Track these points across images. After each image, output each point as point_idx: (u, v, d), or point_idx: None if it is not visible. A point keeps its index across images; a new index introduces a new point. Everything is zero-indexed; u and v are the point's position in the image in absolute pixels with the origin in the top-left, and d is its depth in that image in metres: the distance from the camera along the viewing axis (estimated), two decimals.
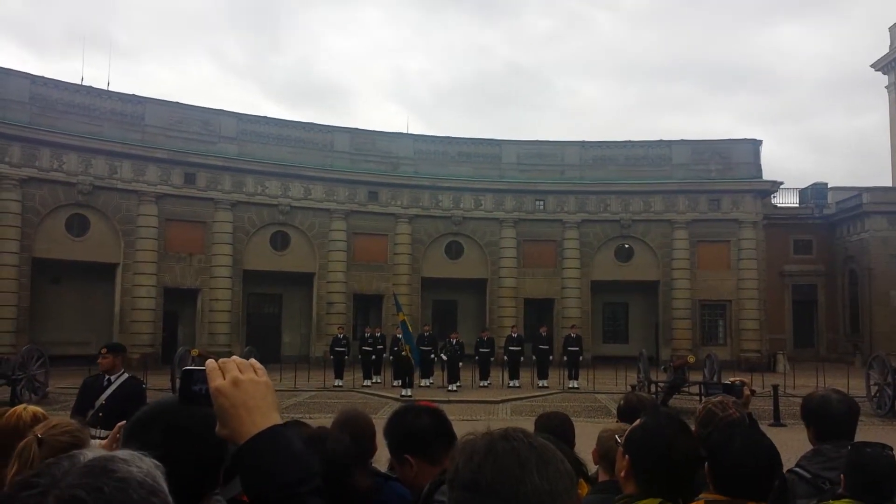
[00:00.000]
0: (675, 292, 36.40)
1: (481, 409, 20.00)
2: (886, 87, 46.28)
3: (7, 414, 3.05)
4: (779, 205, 41.89)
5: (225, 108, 34.20)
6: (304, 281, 35.21)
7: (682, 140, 38.01)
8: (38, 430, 2.50)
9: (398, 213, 35.98)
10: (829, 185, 43.14)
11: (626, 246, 37.38)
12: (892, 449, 3.23)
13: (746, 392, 4.12)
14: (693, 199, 36.74)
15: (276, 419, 1.57)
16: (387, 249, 36.04)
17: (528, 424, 4.85)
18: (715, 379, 19.69)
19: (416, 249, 36.26)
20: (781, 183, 37.84)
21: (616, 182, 36.87)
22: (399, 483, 3.18)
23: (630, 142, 38.17)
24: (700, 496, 2.80)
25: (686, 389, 20.43)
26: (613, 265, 37.20)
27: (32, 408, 3.13)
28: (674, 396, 20.58)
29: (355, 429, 3.79)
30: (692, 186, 36.62)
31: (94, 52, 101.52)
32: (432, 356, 25.19)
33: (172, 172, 31.86)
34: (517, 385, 25.19)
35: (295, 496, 1.50)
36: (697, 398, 18.88)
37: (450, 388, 23.62)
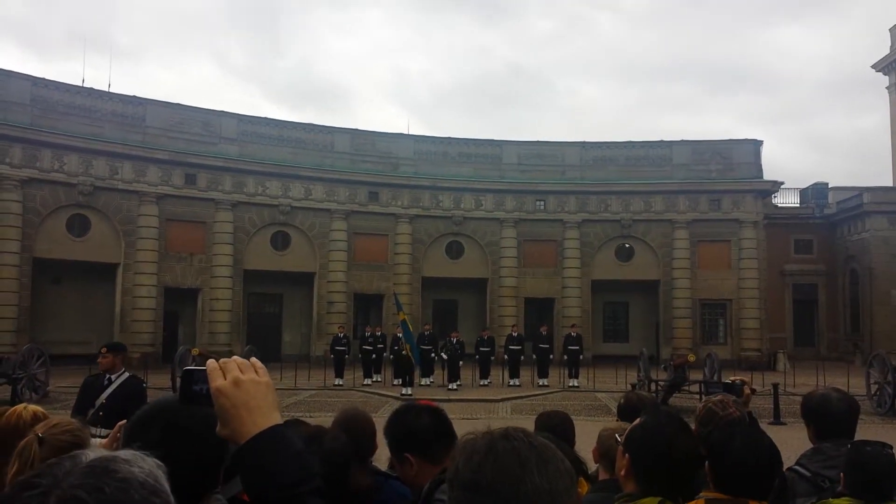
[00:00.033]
0: (676, 292, 36.40)
1: (481, 408, 20.01)
2: (887, 88, 46.27)
3: (7, 413, 3.06)
4: (779, 205, 41.91)
5: (225, 110, 34.26)
6: (304, 281, 35.23)
7: (682, 140, 38.01)
8: (39, 430, 2.50)
9: (398, 213, 35.99)
10: (830, 185, 43.16)
11: (627, 246, 37.38)
12: (891, 447, 3.23)
13: (747, 391, 4.12)
14: (693, 199, 36.73)
15: (276, 419, 1.58)
16: (387, 249, 36.05)
17: (529, 423, 4.85)
18: (715, 378, 19.69)
19: (416, 249, 36.27)
20: (782, 183, 37.85)
21: (616, 182, 36.87)
22: (399, 482, 3.19)
23: (630, 142, 38.17)
24: (700, 495, 2.80)
25: (686, 388, 20.44)
26: (614, 265, 37.20)
27: (33, 407, 3.13)
28: (674, 395, 20.58)
29: (356, 428, 3.79)
30: (693, 186, 36.62)
31: (95, 54, 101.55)
32: (433, 355, 25.20)
33: (173, 173, 31.89)
34: (517, 384, 25.21)
35: (295, 496, 1.50)
36: (698, 397, 18.89)
37: (450, 386, 23.64)
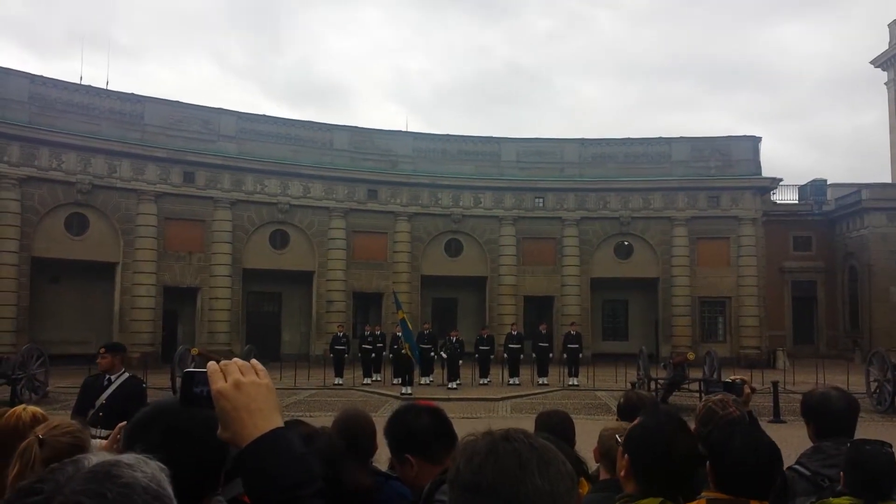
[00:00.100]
0: (675, 289, 36.40)
1: (481, 407, 20.01)
2: (886, 84, 46.24)
3: (7, 414, 3.05)
4: (778, 201, 41.95)
5: (225, 108, 34.19)
6: (303, 279, 35.22)
7: (681, 137, 37.98)
8: (40, 431, 2.50)
9: (397, 211, 35.98)
10: (829, 182, 43.26)
11: (626, 243, 37.38)
12: (891, 446, 3.23)
13: (747, 390, 4.12)
14: (692, 196, 36.73)
15: (277, 422, 1.57)
16: (386, 247, 36.04)
17: (529, 422, 4.85)
18: (715, 376, 19.70)
19: (415, 247, 36.26)
20: (781, 180, 37.87)
21: (615, 179, 36.86)
22: (400, 482, 3.18)
23: (629, 139, 38.15)
24: (701, 494, 2.80)
25: (686, 386, 20.44)
26: (613, 262, 37.21)
27: (32, 408, 3.13)
28: (674, 393, 20.59)
29: (355, 428, 3.79)
30: (692, 183, 36.62)
31: (94, 52, 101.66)
32: (432, 354, 25.19)
33: (172, 171, 31.86)
34: (517, 383, 25.20)
35: (297, 499, 1.50)
36: (697, 395, 18.90)
37: (450, 385, 23.64)
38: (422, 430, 2.98)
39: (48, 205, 29.25)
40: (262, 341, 31.00)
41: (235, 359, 1.65)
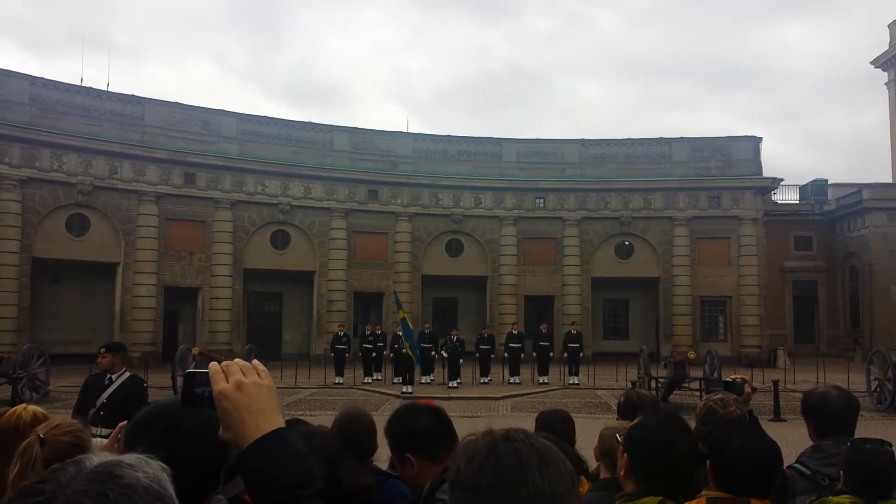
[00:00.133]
0: (676, 289, 36.41)
1: (482, 406, 20.01)
2: (886, 84, 46.23)
3: (7, 414, 3.06)
4: (779, 201, 41.94)
5: (225, 109, 34.24)
6: (304, 279, 35.24)
7: (681, 137, 38.00)
8: (41, 431, 2.50)
9: (398, 211, 36.00)
10: (830, 182, 43.24)
11: (627, 243, 37.38)
12: (891, 445, 3.23)
13: (747, 389, 4.12)
14: (693, 196, 36.73)
15: (279, 422, 1.58)
16: (387, 247, 36.06)
17: (529, 421, 4.86)
18: (715, 375, 19.70)
19: (416, 247, 36.28)
20: (781, 180, 37.86)
21: (616, 180, 36.86)
22: (400, 481, 3.19)
23: (630, 139, 38.16)
24: (702, 493, 2.80)
25: (686, 385, 20.45)
26: (614, 262, 37.22)
27: (32, 407, 3.13)
28: (674, 392, 20.59)
29: (356, 427, 3.79)
30: (692, 184, 36.62)
31: (94, 54, 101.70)
32: (433, 353, 25.21)
33: (172, 172, 31.88)
34: (518, 382, 25.21)
35: (297, 499, 1.50)
36: (698, 394, 18.91)
37: (450, 384, 23.66)
38: (422, 430, 2.98)
39: (49, 206, 29.28)
40: (262, 341, 30.99)
41: (237, 359, 1.65)
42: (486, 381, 25.46)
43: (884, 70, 46.05)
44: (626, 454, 2.68)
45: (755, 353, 34.12)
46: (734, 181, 36.68)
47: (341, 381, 25.03)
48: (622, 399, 4.87)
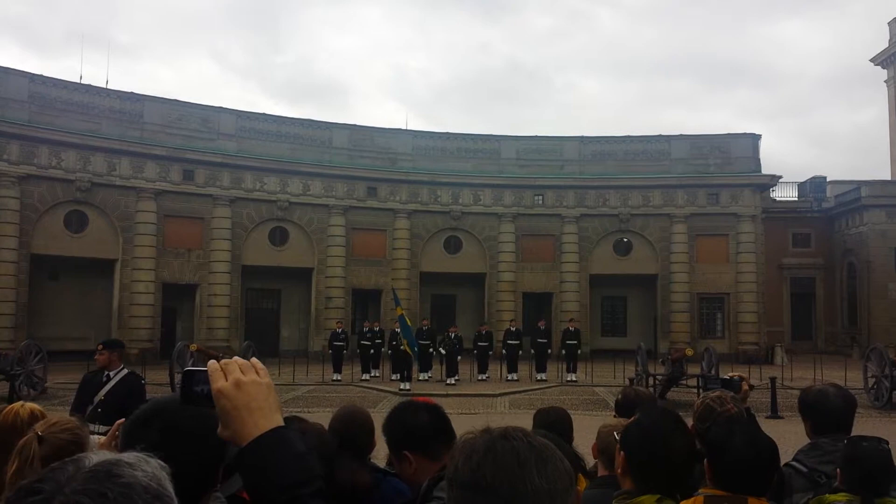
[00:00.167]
0: (674, 286, 36.44)
1: (480, 403, 20.04)
2: (885, 82, 46.24)
3: (5, 411, 3.05)
4: (777, 198, 42.00)
5: (224, 106, 34.23)
6: (302, 276, 35.24)
7: (680, 135, 38.02)
8: (39, 428, 2.50)
9: (397, 208, 35.99)
10: (828, 179, 43.28)
11: (625, 240, 37.39)
12: (888, 443, 3.24)
13: (744, 387, 4.13)
14: (692, 193, 36.74)
15: (278, 421, 1.58)
16: (385, 244, 36.06)
17: (527, 417, 4.86)
18: (713, 372, 19.72)
19: (414, 244, 36.27)
20: (780, 177, 37.93)
21: (615, 177, 36.87)
22: (398, 479, 3.19)
23: (629, 137, 38.17)
24: (699, 491, 2.81)
25: (684, 382, 20.49)
26: (612, 259, 37.23)
27: (30, 405, 3.13)
28: (672, 389, 20.63)
29: (354, 425, 3.80)
30: (691, 181, 36.65)
31: (94, 51, 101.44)
32: (431, 350, 25.21)
33: (171, 169, 31.87)
34: (516, 378, 25.23)
35: (297, 498, 1.50)
36: (695, 391, 18.94)
37: (448, 381, 23.66)
38: (420, 427, 2.98)
39: (48, 202, 29.26)
40: (261, 338, 31.00)
41: (236, 357, 1.65)
42: (484, 377, 25.47)
43: (883, 67, 46.05)
44: (622, 452, 2.68)
45: (753, 350, 34.16)
46: (733, 178, 36.69)
47: (339, 378, 25.04)
48: (620, 396, 4.87)
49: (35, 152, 28.86)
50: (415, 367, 23.78)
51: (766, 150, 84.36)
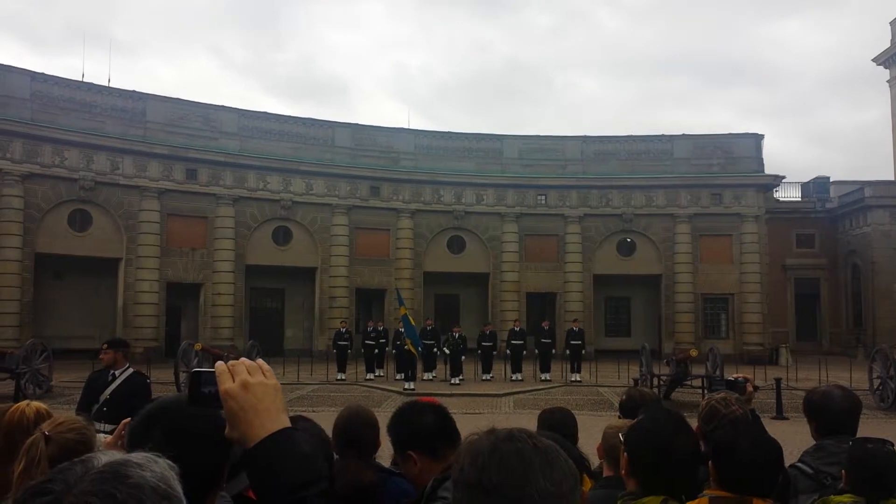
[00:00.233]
0: (678, 286, 36.41)
1: (484, 403, 20.03)
2: (888, 82, 46.11)
3: (10, 410, 3.06)
4: (781, 199, 41.93)
5: (225, 104, 34.30)
6: (306, 275, 35.27)
7: (683, 135, 37.99)
8: (45, 428, 2.50)
9: (400, 207, 36.01)
10: (832, 180, 43.20)
11: (629, 240, 37.36)
12: (892, 444, 3.24)
13: (749, 388, 4.12)
14: (695, 193, 36.71)
15: (284, 422, 1.58)
16: (389, 244, 36.08)
17: (531, 417, 4.86)
18: (717, 372, 19.68)
19: (417, 244, 36.29)
20: (783, 177, 37.86)
21: (618, 176, 36.85)
22: (403, 479, 3.20)
23: (631, 136, 38.16)
24: (704, 493, 2.81)
25: (688, 383, 20.46)
26: (615, 259, 37.22)
27: (35, 404, 3.13)
28: (676, 390, 20.61)
29: (358, 425, 3.81)
30: (694, 181, 36.62)
31: (95, 49, 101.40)
32: (435, 350, 25.23)
33: (174, 168, 31.93)
34: (520, 378, 25.20)
35: (303, 499, 1.51)
36: (700, 392, 18.92)
37: (452, 381, 23.66)
38: (425, 428, 2.99)
39: (51, 201, 29.32)
40: (265, 337, 31.02)
41: (243, 359, 1.66)
42: (488, 377, 25.47)
43: (886, 67, 45.91)
44: (626, 453, 2.69)
45: (757, 351, 34.12)
46: (736, 178, 36.66)
47: (343, 378, 25.07)
48: (624, 397, 4.87)
49: (38, 151, 28.92)
50: (419, 367, 23.79)
51: (768, 150, 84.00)
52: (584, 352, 26.58)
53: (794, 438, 7.04)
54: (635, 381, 21.18)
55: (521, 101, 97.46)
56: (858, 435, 3.60)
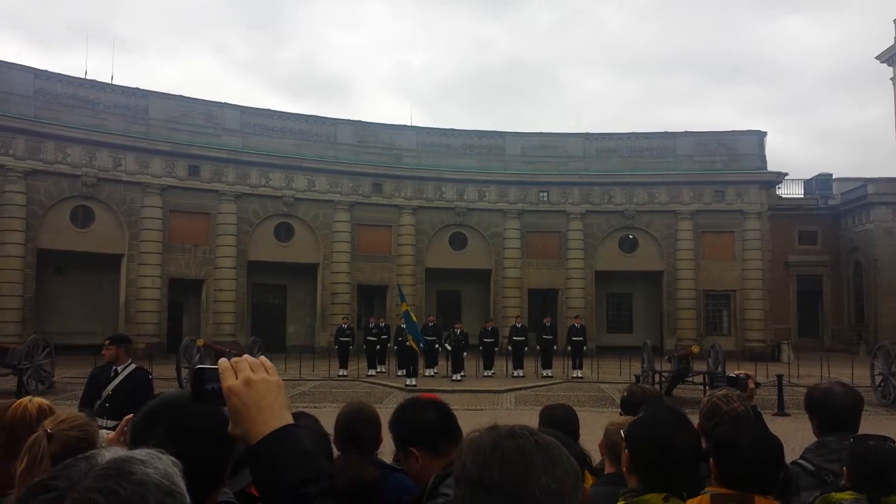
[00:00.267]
0: (680, 282, 36.40)
1: (485, 399, 20.04)
2: (891, 79, 45.98)
3: (13, 406, 3.07)
4: (784, 195, 41.87)
5: (228, 101, 34.26)
6: (308, 272, 35.30)
7: (686, 132, 37.94)
8: (48, 425, 2.51)
9: (402, 204, 36.02)
10: (834, 176, 43.12)
11: (631, 237, 37.36)
12: (894, 441, 3.23)
13: (751, 385, 4.12)
14: (697, 190, 36.68)
15: (287, 419, 1.59)
16: (391, 240, 36.10)
17: (533, 414, 4.87)
18: (719, 369, 19.68)
19: (419, 240, 36.30)
20: (786, 174, 37.80)
21: (620, 173, 36.84)
22: (405, 475, 3.20)
23: (634, 133, 38.12)
24: (705, 490, 2.81)
25: (690, 379, 20.46)
26: (618, 256, 37.21)
27: (38, 399, 3.14)
28: (678, 386, 20.61)
29: (360, 421, 3.82)
30: (697, 177, 36.58)
31: (98, 46, 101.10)
32: (437, 346, 25.25)
33: (176, 165, 31.95)
34: (521, 375, 25.24)
35: (305, 496, 1.51)
36: (701, 388, 18.92)
37: (454, 377, 23.68)
38: (426, 424, 2.99)
39: (54, 197, 29.35)
40: (266, 333, 31.08)
41: (246, 356, 1.67)
42: (490, 374, 25.50)
43: (889, 65, 45.76)
44: (627, 450, 2.69)
45: (759, 348, 34.11)
46: (738, 175, 36.63)
47: (345, 374, 25.11)
48: (625, 393, 4.87)
49: (41, 147, 28.94)
50: (420, 363, 23.82)
51: (770, 147, 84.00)
52: (585, 348, 26.62)
53: (795, 435, 7.05)
54: (637, 377, 21.20)
55: (523, 99, 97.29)
56: (860, 432, 3.60)
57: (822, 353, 29.38)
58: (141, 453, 1.12)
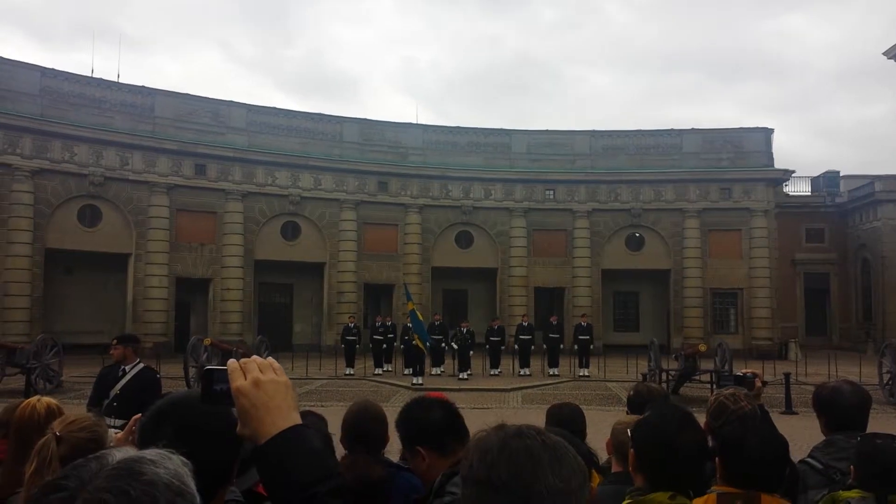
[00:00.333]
0: (687, 281, 36.32)
1: (492, 398, 20.05)
2: None
3: (22, 406, 3.08)
4: (791, 193, 41.77)
5: (234, 100, 34.28)
6: (314, 270, 35.33)
7: (692, 129, 37.84)
8: (57, 427, 2.52)
9: (408, 202, 36.01)
10: (841, 174, 42.97)
11: (637, 235, 37.29)
12: None
13: (758, 384, 4.12)
14: (704, 187, 36.59)
15: (295, 419, 1.60)
16: (397, 239, 36.09)
17: (540, 412, 4.87)
18: (726, 367, 19.65)
19: (426, 239, 36.29)
20: (793, 171, 37.64)
21: (627, 171, 36.76)
22: (411, 474, 3.21)
23: (640, 131, 38.03)
24: (712, 489, 2.81)
25: (697, 378, 20.43)
26: (624, 254, 37.15)
27: (47, 399, 3.16)
28: (685, 385, 20.58)
29: (367, 420, 3.83)
30: (703, 175, 36.47)
31: (104, 44, 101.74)
32: (443, 345, 25.27)
33: (183, 163, 32.00)
34: (528, 373, 25.25)
35: (314, 496, 1.52)
36: (709, 387, 18.89)
37: (461, 376, 23.71)
38: (433, 423, 3.00)
39: (61, 197, 29.42)
40: (273, 332, 31.14)
41: (254, 357, 1.68)
42: (497, 372, 25.50)
43: None
44: (633, 449, 2.69)
45: (766, 346, 34.02)
46: (745, 173, 36.51)
47: (352, 373, 25.14)
48: (632, 392, 4.87)
49: (48, 146, 29.01)
50: (427, 362, 23.83)
51: (778, 144, 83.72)
52: (592, 347, 26.57)
53: (803, 434, 7.03)
54: (643, 376, 21.17)
55: (529, 96, 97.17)
56: (868, 430, 3.59)
57: (829, 351, 29.31)
58: (151, 453, 1.13)
